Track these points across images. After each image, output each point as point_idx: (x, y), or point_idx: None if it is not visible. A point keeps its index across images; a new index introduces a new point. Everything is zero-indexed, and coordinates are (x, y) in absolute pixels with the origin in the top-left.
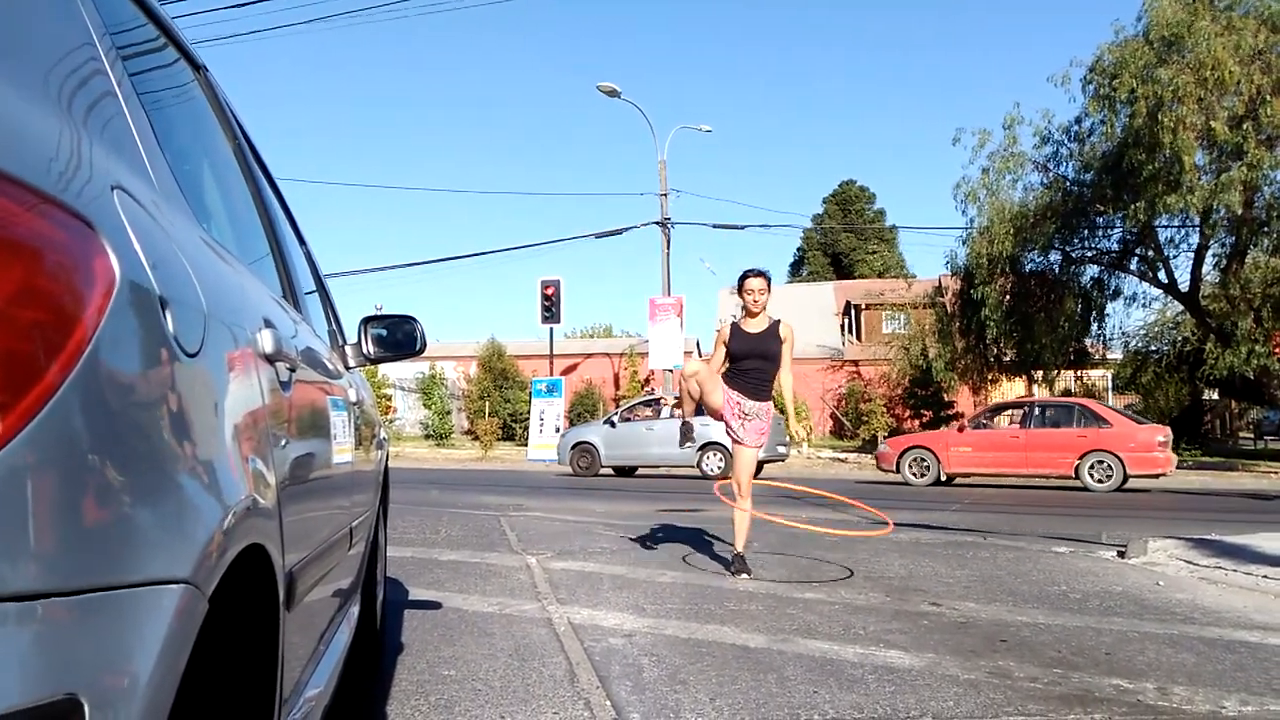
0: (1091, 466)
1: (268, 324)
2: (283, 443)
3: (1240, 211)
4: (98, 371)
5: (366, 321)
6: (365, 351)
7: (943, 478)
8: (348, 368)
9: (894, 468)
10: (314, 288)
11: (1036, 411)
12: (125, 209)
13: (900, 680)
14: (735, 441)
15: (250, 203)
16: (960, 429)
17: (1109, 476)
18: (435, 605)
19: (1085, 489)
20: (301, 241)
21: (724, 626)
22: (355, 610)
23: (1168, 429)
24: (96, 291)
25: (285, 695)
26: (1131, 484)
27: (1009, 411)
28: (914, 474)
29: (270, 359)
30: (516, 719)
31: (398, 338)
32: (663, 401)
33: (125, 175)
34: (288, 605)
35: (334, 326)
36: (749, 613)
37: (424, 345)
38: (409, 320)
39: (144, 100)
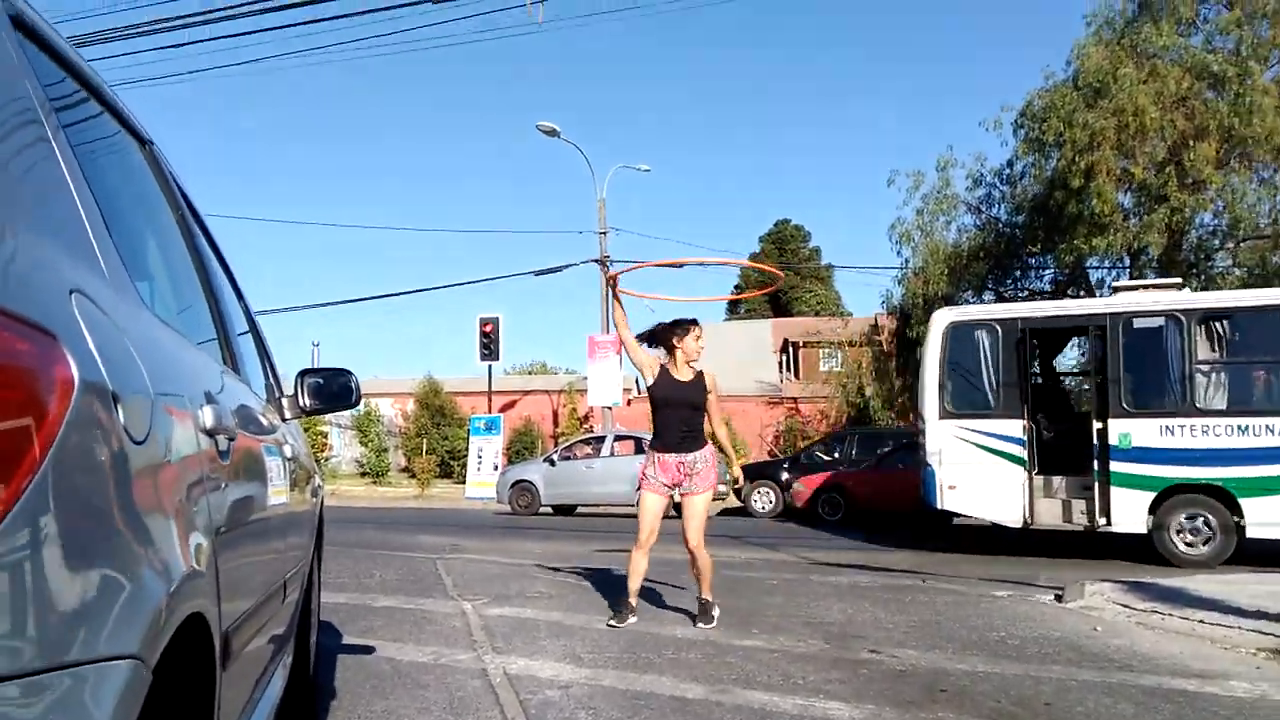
0: None
1: (208, 399)
2: (221, 510)
3: (1164, 252)
4: (59, 471)
5: (303, 375)
6: (301, 404)
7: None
8: (284, 419)
9: (808, 507)
10: (253, 342)
11: None
12: (82, 312)
13: None
14: (686, 494)
15: (192, 269)
16: (871, 467)
17: None
18: (369, 652)
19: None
20: (240, 297)
21: (662, 676)
22: (289, 658)
23: None
24: (58, 397)
25: None
26: None
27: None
28: (825, 513)
29: (210, 433)
30: None
31: (334, 389)
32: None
33: (82, 275)
34: (223, 664)
35: (270, 380)
36: (687, 661)
37: (359, 398)
38: (344, 373)
39: (95, 188)
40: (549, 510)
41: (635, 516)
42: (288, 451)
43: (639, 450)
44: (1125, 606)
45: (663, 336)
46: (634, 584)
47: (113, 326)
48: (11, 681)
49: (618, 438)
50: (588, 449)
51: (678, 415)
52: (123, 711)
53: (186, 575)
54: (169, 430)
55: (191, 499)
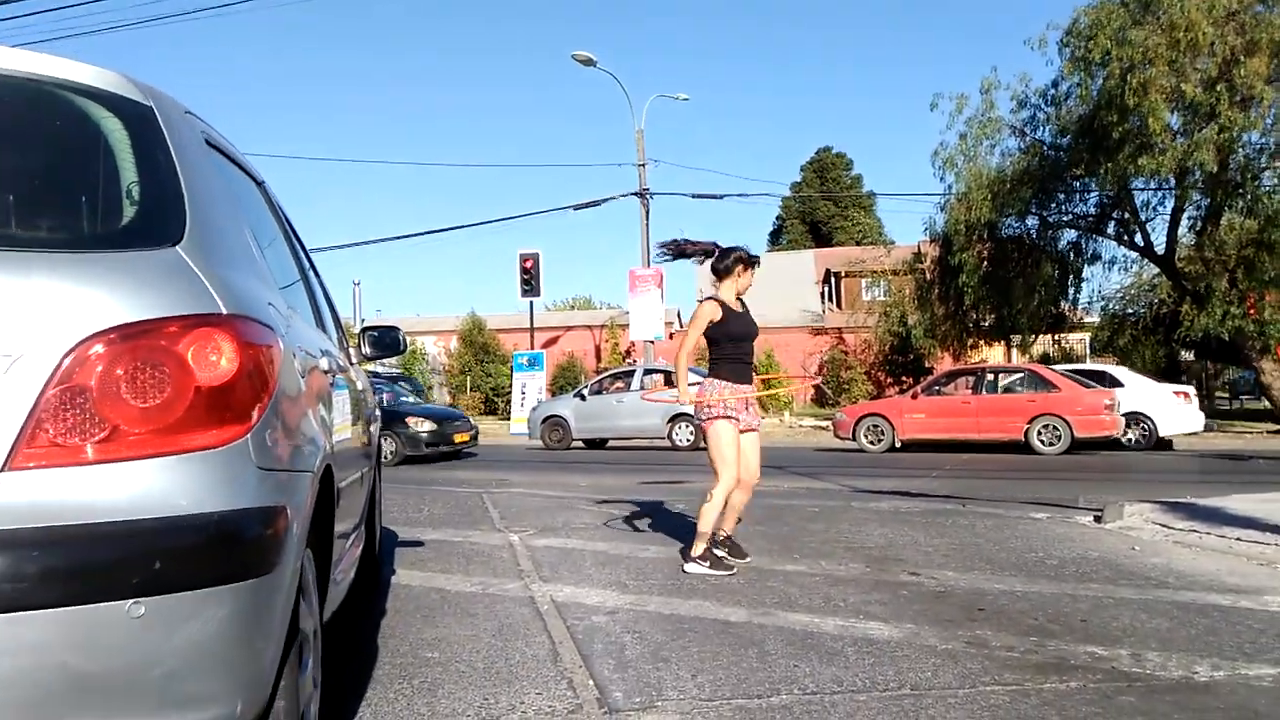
0: (1040, 430)
1: (323, 353)
2: (333, 415)
3: (1214, 171)
4: (280, 390)
5: (364, 331)
6: (363, 352)
7: (897, 444)
8: (351, 363)
9: (850, 435)
10: (328, 308)
11: (988, 377)
12: (274, 313)
13: (879, 652)
14: (745, 430)
15: (293, 266)
16: (914, 396)
17: (1057, 439)
18: (418, 586)
19: (1034, 452)
20: (316, 274)
21: (705, 601)
22: (363, 539)
23: (1114, 392)
24: (277, 357)
25: (336, 558)
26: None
27: (962, 378)
28: (869, 441)
29: (325, 372)
30: (500, 700)
31: (387, 341)
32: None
33: (268, 293)
34: (337, 504)
35: (340, 334)
36: (730, 586)
37: (406, 348)
38: (394, 329)
39: (254, 232)
40: (580, 445)
41: (670, 449)
42: (358, 385)
43: (669, 383)
44: (1163, 526)
45: (731, 262)
46: (718, 527)
47: (283, 318)
48: (284, 472)
49: (648, 371)
50: (618, 383)
51: (748, 348)
52: (310, 497)
53: (326, 445)
54: (312, 372)
55: (324, 408)
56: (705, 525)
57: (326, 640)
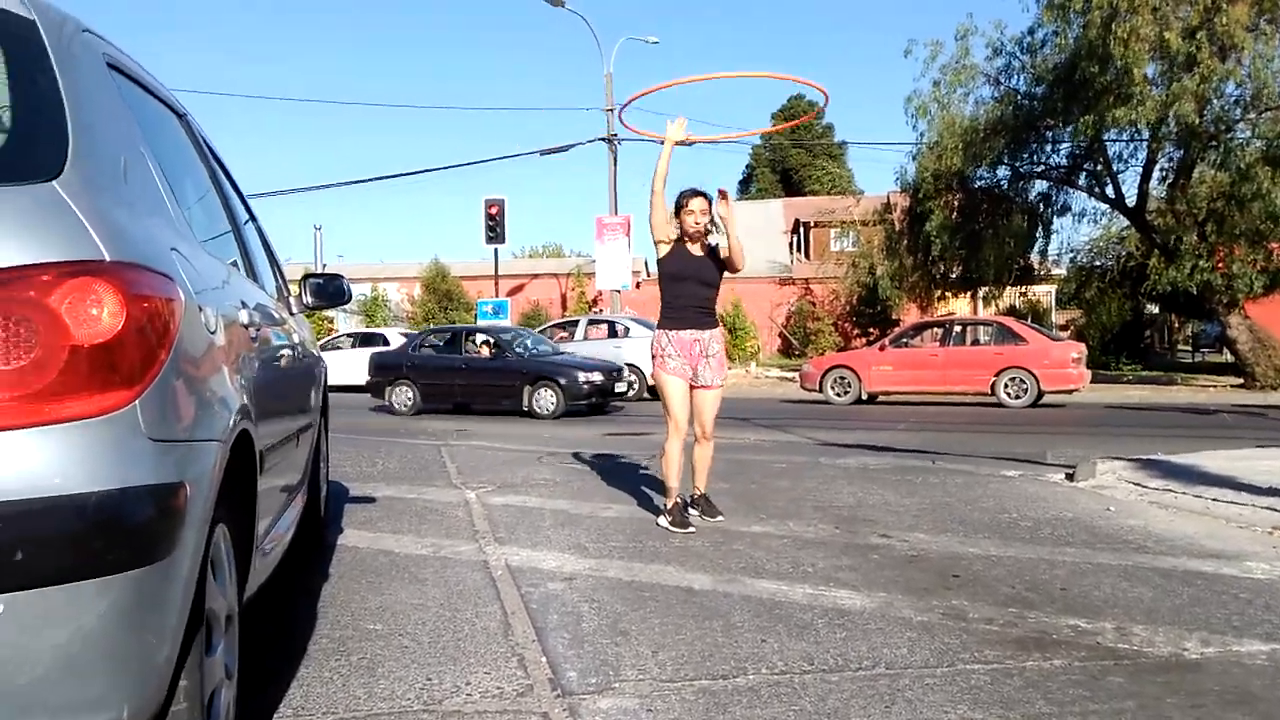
0: (1007, 383)
1: (244, 304)
2: (255, 373)
3: (1192, 122)
4: (179, 348)
5: (305, 279)
6: (305, 301)
7: (864, 396)
8: (291, 314)
9: (817, 387)
10: (264, 255)
11: (955, 330)
12: (179, 260)
13: (851, 625)
14: (698, 386)
15: (220, 208)
16: (881, 348)
17: (1024, 392)
18: (365, 548)
19: (1001, 405)
20: (253, 217)
21: (668, 566)
22: (303, 497)
23: (1081, 345)
24: (177, 311)
25: (260, 532)
26: (1046, 399)
27: (929, 330)
28: (836, 393)
29: (246, 326)
30: (444, 681)
31: (330, 290)
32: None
33: (173, 238)
34: (260, 470)
35: (280, 282)
36: (694, 549)
37: (350, 297)
38: (338, 277)
39: (165, 170)
40: None
41: (630, 399)
42: (295, 338)
43: (612, 334)
44: (1137, 485)
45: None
46: (675, 481)
47: (192, 266)
48: (175, 443)
49: (591, 321)
50: (562, 333)
51: (691, 290)
52: (217, 466)
53: (241, 406)
54: (227, 324)
55: (241, 364)
56: (666, 479)
57: (258, 609)
